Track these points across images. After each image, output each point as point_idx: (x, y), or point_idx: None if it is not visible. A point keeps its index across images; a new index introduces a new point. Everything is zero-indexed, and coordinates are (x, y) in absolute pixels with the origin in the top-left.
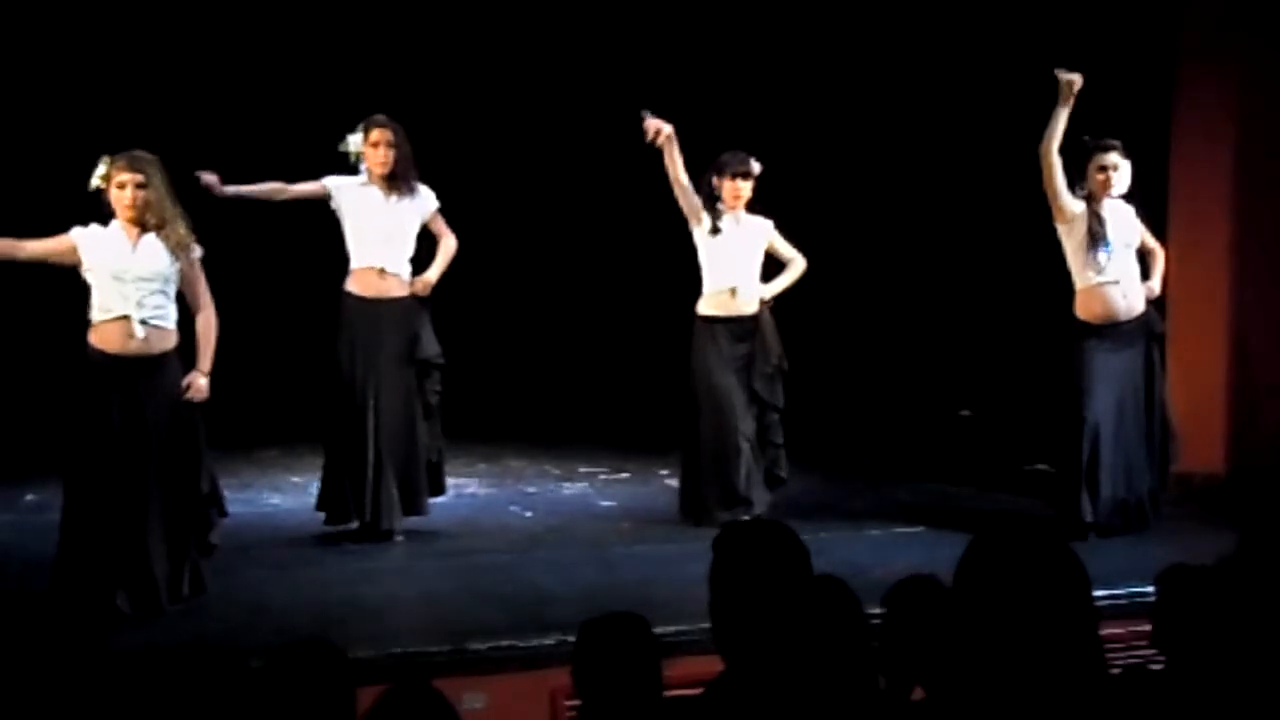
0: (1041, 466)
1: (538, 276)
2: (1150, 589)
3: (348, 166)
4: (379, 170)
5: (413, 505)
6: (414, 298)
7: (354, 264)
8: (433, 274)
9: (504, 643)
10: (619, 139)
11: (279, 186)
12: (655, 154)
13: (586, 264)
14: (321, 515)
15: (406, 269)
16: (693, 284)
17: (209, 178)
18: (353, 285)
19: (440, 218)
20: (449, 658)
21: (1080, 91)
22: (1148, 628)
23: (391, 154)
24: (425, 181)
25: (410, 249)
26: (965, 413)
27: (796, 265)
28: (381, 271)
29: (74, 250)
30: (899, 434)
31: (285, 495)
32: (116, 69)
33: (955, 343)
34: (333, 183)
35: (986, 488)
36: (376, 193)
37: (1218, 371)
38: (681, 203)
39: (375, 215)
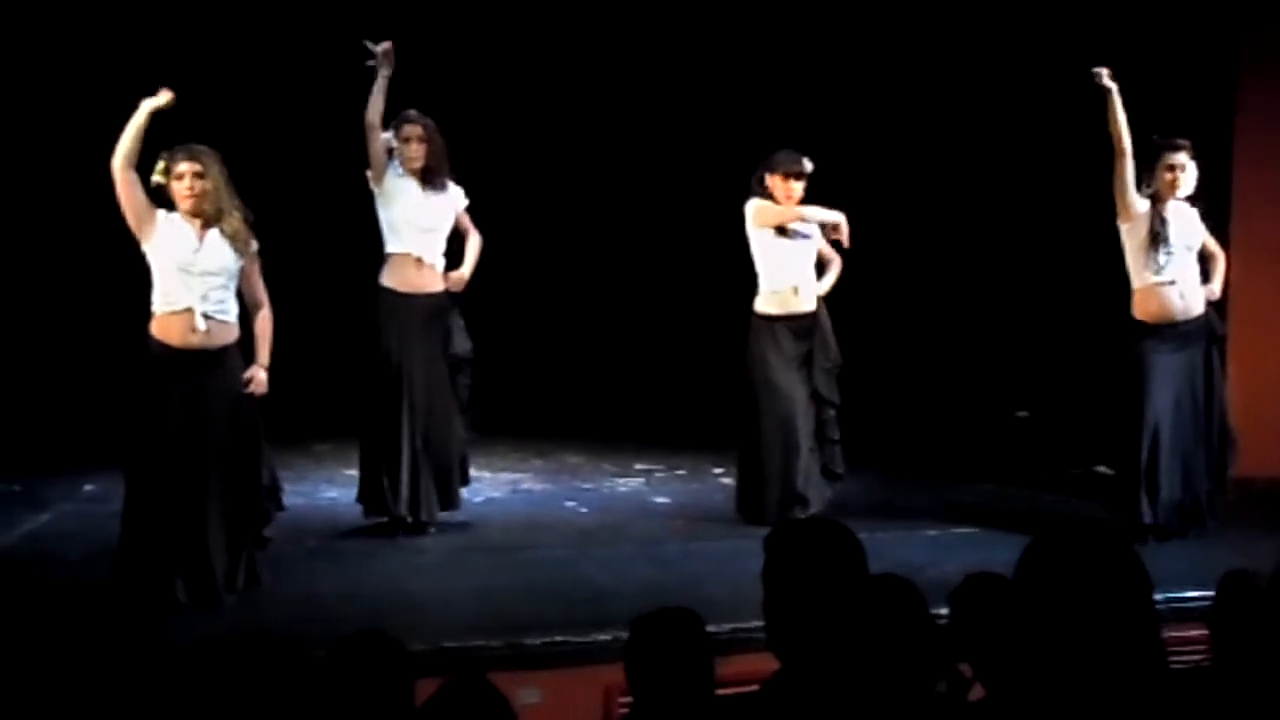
0: (1101, 469)
1: (596, 273)
2: (1208, 593)
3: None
4: (413, 165)
5: (449, 500)
6: (447, 293)
7: (390, 250)
8: (466, 270)
9: (558, 638)
10: (677, 136)
11: (379, 116)
12: (713, 153)
13: (645, 260)
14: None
15: (441, 261)
16: (746, 279)
17: (382, 46)
18: (389, 279)
19: (467, 215)
20: (504, 652)
21: (1144, 94)
22: (1205, 632)
23: (424, 148)
24: (483, 177)
25: (444, 243)
26: (1022, 413)
27: (836, 264)
28: (419, 261)
29: (150, 219)
30: (955, 434)
31: (341, 488)
32: (157, 68)
33: (1012, 343)
34: (383, 176)
35: (1042, 489)
36: (413, 184)
37: (1278, 375)
38: (776, 219)
39: (412, 205)
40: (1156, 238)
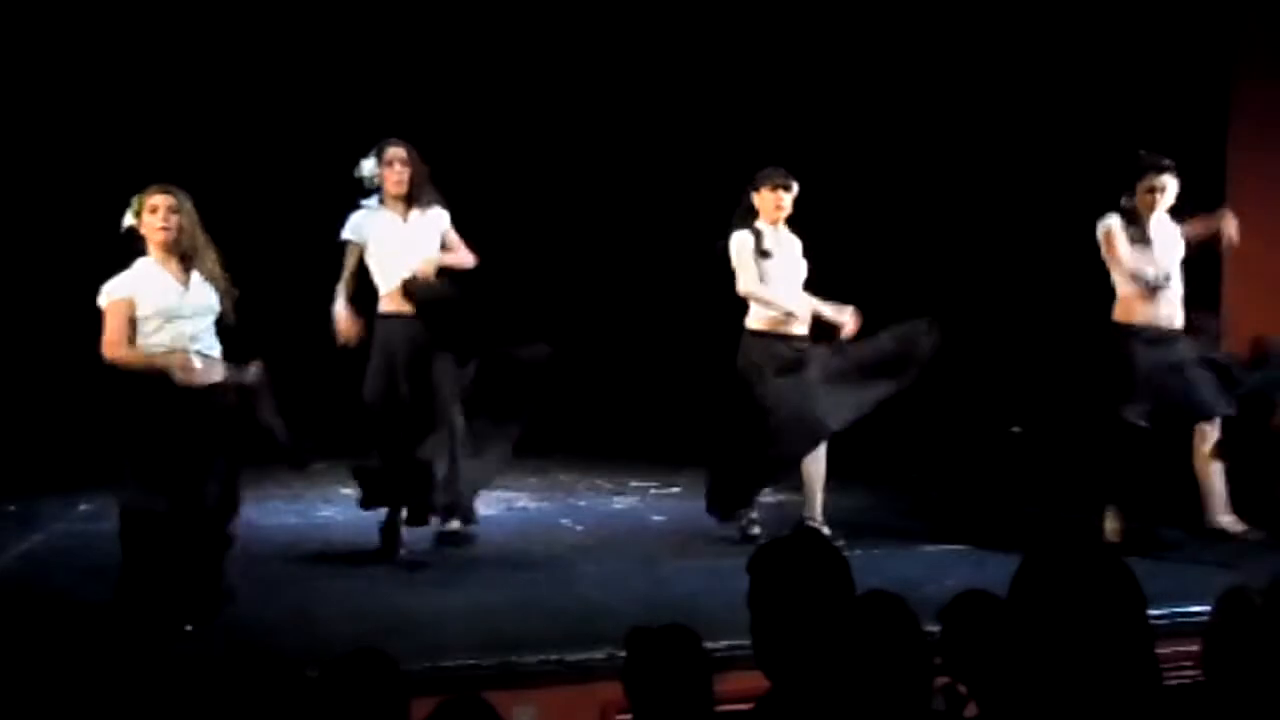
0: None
1: (591, 289)
2: (1201, 608)
3: (362, 190)
4: (395, 190)
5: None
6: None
7: (383, 290)
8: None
9: (554, 656)
10: (675, 153)
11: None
12: (706, 171)
13: (640, 277)
14: (368, 525)
15: None
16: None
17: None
18: (388, 305)
19: (453, 231)
20: (499, 670)
21: (1136, 104)
22: (1198, 648)
23: (406, 172)
24: (478, 196)
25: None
26: (1016, 429)
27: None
28: None
29: (132, 306)
30: (950, 451)
31: (336, 507)
32: (130, 99)
33: (1006, 359)
34: (355, 234)
35: (1037, 504)
36: (393, 216)
37: None
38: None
39: (396, 239)
40: (1140, 277)
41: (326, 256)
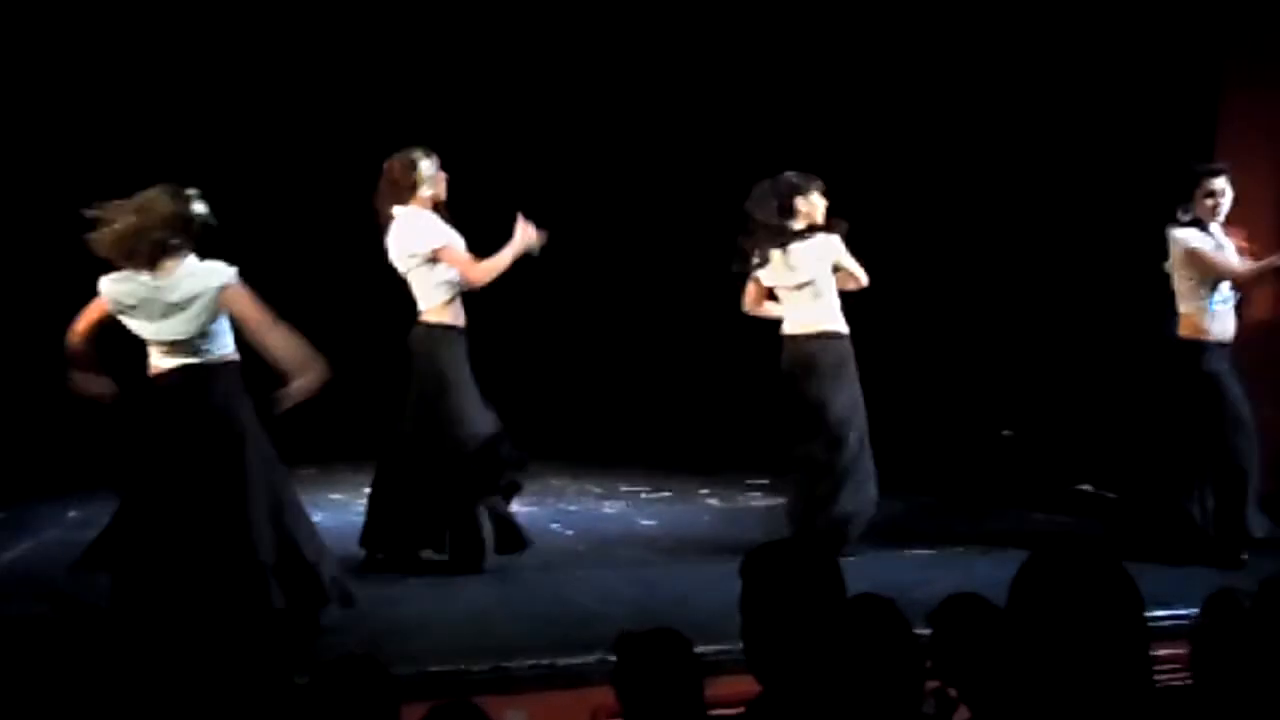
0: (1086, 487)
1: (582, 295)
2: (1185, 611)
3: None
4: (441, 198)
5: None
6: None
7: (445, 297)
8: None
9: (545, 661)
10: (671, 155)
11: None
12: (709, 172)
13: (633, 283)
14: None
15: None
16: (736, 300)
17: None
18: (453, 318)
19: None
20: (490, 676)
21: (1126, 111)
22: (1186, 651)
23: (445, 181)
24: (474, 198)
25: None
26: (1007, 432)
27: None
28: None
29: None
30: (940, 454)
31: (326, 513)
32: (149, 117)
33: (997, 362)
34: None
35: (1028, 508)
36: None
37: (1266, 392)
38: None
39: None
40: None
41: (334, 256)
